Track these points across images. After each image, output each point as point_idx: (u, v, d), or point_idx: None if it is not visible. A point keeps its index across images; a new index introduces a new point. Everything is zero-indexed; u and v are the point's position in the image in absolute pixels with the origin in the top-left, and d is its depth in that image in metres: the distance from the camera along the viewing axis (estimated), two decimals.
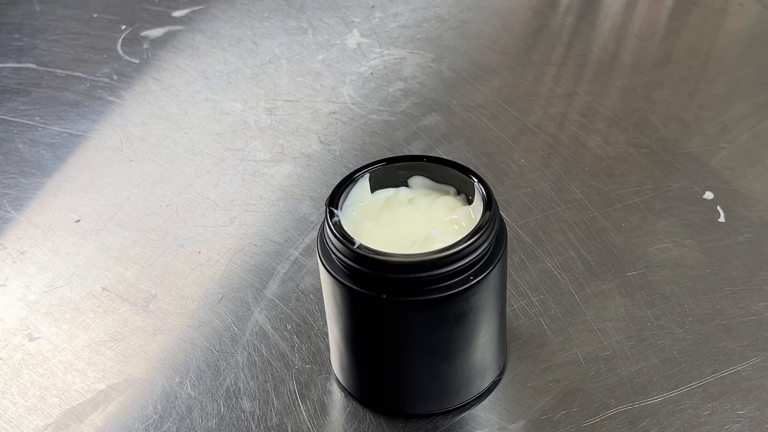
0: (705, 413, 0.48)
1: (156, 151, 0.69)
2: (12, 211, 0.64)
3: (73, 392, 0.52)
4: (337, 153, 0.67)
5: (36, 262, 0.60)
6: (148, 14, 0.83)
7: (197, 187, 0.65)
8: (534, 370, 0.51)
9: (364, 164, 0.47)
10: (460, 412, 0.49)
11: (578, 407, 0.49)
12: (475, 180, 0.46)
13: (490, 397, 0.49)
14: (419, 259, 0.42)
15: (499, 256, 0.44)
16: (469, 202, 0.47)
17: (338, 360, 0.49)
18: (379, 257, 0.42)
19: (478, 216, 0.44)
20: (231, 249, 0.60)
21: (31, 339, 0.55)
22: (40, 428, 0.50)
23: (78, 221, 0.63)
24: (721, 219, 0.60)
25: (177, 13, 0.83)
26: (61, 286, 0.58)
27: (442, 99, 0.72)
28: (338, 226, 0.44)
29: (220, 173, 0.66)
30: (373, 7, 0.83)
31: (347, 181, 0.46)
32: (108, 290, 0.57)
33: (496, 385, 0.50)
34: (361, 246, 0.42)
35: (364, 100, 0.72)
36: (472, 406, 0.49)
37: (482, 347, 0.47)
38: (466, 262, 0.43)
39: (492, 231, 0.44)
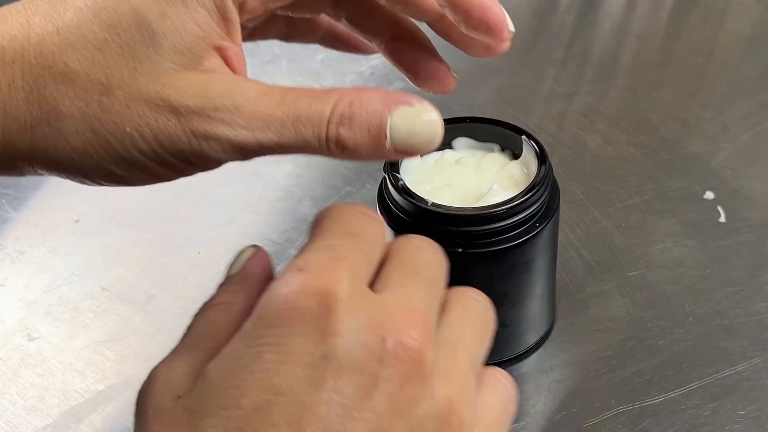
0: (706, 413, 0.48)
1: None
2: (11, 211, 0.64)
3: (72, 392, 0.52)
4: None
5: (35, 262, 0.60)
6: None
7: (197, 187, 0.65)
8: (534, 370, 0.51)
9: None
10: (516, 361, 0.52)
11: (579, 407, 0.49)
12: (524, 135, 0.48)
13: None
14: (494, 210, 0.45)
15: (556, 203, 0.48)
16: (515, 156, 0.49)
17: None
18: (456, 212, 0.45)
19: (530, 168, 0.47)
20: (231, 249, 0.60)
21: (30, 339, 0.55)
22: (39, 428, 0.50)
23: (77, 221, 0.63)
24: (722, 219, 0.60)
25: None
26: (60, 286, 0.58)
27: (442, 99, 0.71)
28: (407, 188, 0.46)
29: (220, 173, 0.66)
30: None
31: None
32: (107, 290, 0.57)
33: (548, 335, 0.53)
34: (434, 204, 0.45)
35: None
36: (528, 355, 0.52)
37: (541, 293, 0.50)
38: (534, 210, 0.46)
39: (551, 178, 0.47)
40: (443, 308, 0.35)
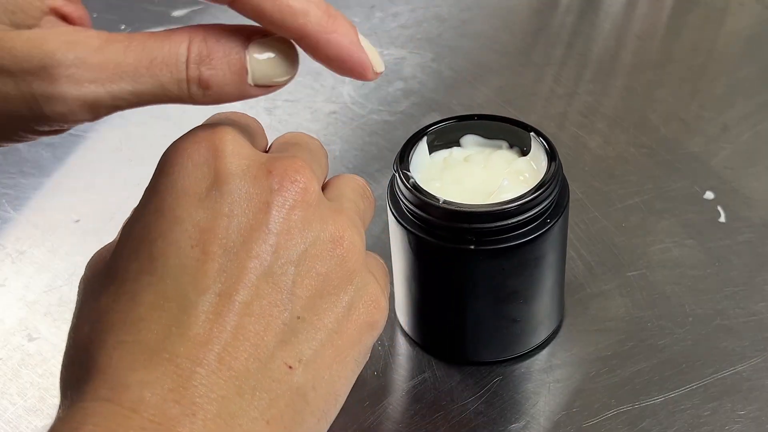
0: (706, 413, 0.48)
1: (156, 151, 0.68)
2: (11, 211, 0.64)
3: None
4: (337, 153, 0.67)
5: (35, 262, 0.60)
6: (147, 14, 0.83)
7: None
8: (534, 370, 0.51)
9: (419, 128, 0.50)
10: (527, 358, 0.52)
11: (578, 407, 0.49)
12: (533, 132, 0.49)
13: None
14: (505, 206, 0.45)
15: (566, 199, 0.48)
16: (524, 153, 0.49)
17: (413, 318, 0.52)
18: (467, 209, 0.45)
19: (539, 165, 0.48)
20: None
21: (31, 339, 0.55)
22: (39, 429, 0.50)
23: (77, 221, 0.63)
24: (722, 219, 0.60)
25: (177, 13, 0.83)
26: (60, 286, 0.58)
27: (442, 99, 0.72)
28: (417, 186, 0.46)
29: None
30: (372, 6, 0.83)
31: (410, 145, 0.49)
32: None
33: (558, 331, 0.53)
34: (445, 201, 0.45)
35: (363, 99, 0.72)
36: (539, 351, 0.52)
37: (551, 289, 0.50)
38: (544, 206, 0.46)
39: (561, 174, 0.48)
40: (325, 185, 0.40)
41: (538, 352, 0.52)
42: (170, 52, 0.33)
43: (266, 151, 0.40)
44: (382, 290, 0.38)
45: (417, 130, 0.50)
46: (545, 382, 0.51)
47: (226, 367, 0.32)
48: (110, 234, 0.37)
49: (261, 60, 0.34)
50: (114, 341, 0.32)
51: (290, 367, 0.34)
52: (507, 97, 0.72)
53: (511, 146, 0.50)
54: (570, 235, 0.59)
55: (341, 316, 0.36)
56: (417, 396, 0.50)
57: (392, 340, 0.53)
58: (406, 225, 0.47)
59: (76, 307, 0.36)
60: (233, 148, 0.35)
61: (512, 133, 0.50)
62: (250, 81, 0.34)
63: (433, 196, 0.46)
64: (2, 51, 0.31)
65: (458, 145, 0.51)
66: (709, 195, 0.62)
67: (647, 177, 0.63)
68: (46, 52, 0.31)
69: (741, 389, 0.49)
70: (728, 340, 0.52)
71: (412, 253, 0.48)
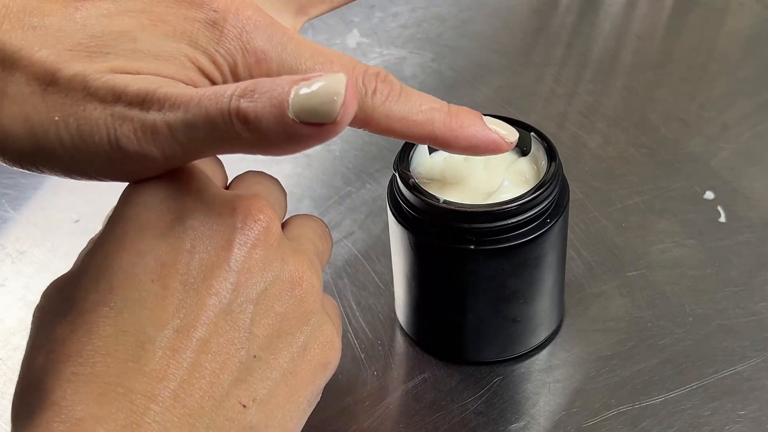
0: (706, 413, 0.48)
1: None
2: (11, 211, 0.64)
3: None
4: (337, 153, 0.67)
5: (35, 262, 0.60)
6: None
7: None
8: (534, 370, 0.51)
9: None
10: (527, 358, 0.52)
11: (578, 407, 0.49)
12: (533, 132, 0.49)
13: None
14: (505, 206, 0.45)
15: (566, 199, 0.48)
16: (524, 153, 0.49)
17: (413, 318, 0.52)
18: (468, 209, 0.45)
19: (539, 165, 0.48)
20: None
21: None
22: None
23: (77, 221, 0.63)
24: (722, 219, 0.60)
25: None
26: None
27: (442, 98, 0.72)
28: (418, 186, 0.46)
29: None
30: (372, 6, 0.83)
31: (410, 145, 0.49)
32: None
33: (558, 331, 0.53)
34: (446, 201, 0.45)
35: None
36: (539, 351, 0.52)
37: (551, 289, 0.50)
38: (545, 206, 0.46)
39: (561, 174, 0.48)
40: (285, 224, 0.41)
41: (538, 352, 0.52)
42: (222, 88, 0.32)
43: (226, 188, 0.41)
44: (337, 331, 0.38)
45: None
46: (545, 382, 0.51)
47: (181, 404, 0.32)
48: None
49: (303, 93, 0.31)
50: (69, 373, 0.32)
51: (244, 406, 0.34)
52: (507, 97, 0.72)
53: None
54: (570, 235, 0.59)
55: (296, 356, 0.36)
56: (417, 396, 0.50)
57: (392, 340, 0.53)
58: (406, 225, 0.47)
59: (30, 336, 0.35)
60: (198, 184, 0.35)
61: None
62: (290, 114, 0.31)
63: (433, 196, 0.46)
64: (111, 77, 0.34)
65: None
66: (709, 195, 0.62)
67: (647, 177, 0.63)
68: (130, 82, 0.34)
69: (741, 389, 0.49)
70: (728, 340, 0.52)
71: (412, 253, 0.48)
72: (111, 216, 0.36)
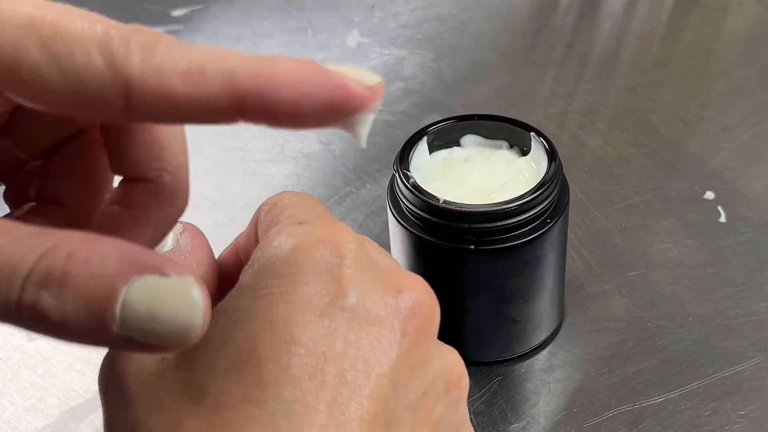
0: (706, 414, 0.48)
1: None
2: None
3: (72, 393, 0.52)
4: (337, 153, 0.67)
5: None
6: (147, 14, 0.83)
7: (197, 187, 0.64)
8: (534, 370, 0.51)
9: (419, 128, 0.50)
10: (527, 358, 0.52)
11: (579, 407, 0.49)
12: (533, 132, 0.49)
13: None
14: (506, 206, 0.45)
15: (566, 199, 0.48)
16: (524, 153, 0.49)
17: None
18: (468, 209, 0.45)
19: (539, 165, 0.48)
20: None
21: (30, 339, 0.55)
22: (39, 429, 0.50)
23: None
24: (722, 219, 0.60)
25: (176, 13, 0.83)
26: None
27: (442, 99, 0.72)
28: (417, 186, 0.46)
29: (220, 173, 0.66)
30: (373, 6, 0.83)
31: (410, 145, 0.49)
32: None
33: (558, 331, 0.53)
34: (446, 201, 0.45)
35: None
36: (539, 351, 0.52)
37: (551, 289, 0.50)
38: (545, 206, 0.46)
39: (561, 174, 0.48)
40: None
41: (538, 352, 0.52)
42: (14, 256, 0.23)
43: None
44: None
45: (417, 130, 0.50)
46: (545, 382, 0.51)
47: None
48: None
49: (141, 307, 0.23)
50: None
51: None
52: (507, 97, 0.72)
53: (511, 146, 0.50)
54: (570, 235, 0.59)
55: None
56: None
57: None
58: (406, 225, 0.47)
59: (115, 416, 0.28)
60: (358, 256, 0.29)
61: (512, 133, 0.50)
62: (116, 329, 0.23)
63: (433, 196, 0.46)
64: None
65: (458, 145, 0.51)
66: (709, 195, 0.61)
67: (647, 177, 0.63)
68: None
69: (741, 389, 0.49)
70: (728, 340, 0.52)
71: (412, 253, 0.48)
72: (261, 287, 0.28)
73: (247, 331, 0.27)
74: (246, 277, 0.29)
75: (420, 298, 0.29)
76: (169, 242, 0.32)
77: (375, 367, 0.27)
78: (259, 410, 0.26)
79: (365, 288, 0.28)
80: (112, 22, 0.25)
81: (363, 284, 0.28)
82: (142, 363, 0.28)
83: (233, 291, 0.29)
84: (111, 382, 0.29)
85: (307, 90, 0.24)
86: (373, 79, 0.26)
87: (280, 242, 0.29)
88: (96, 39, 0.24)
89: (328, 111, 0.25)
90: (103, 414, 0.29)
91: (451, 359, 0.31)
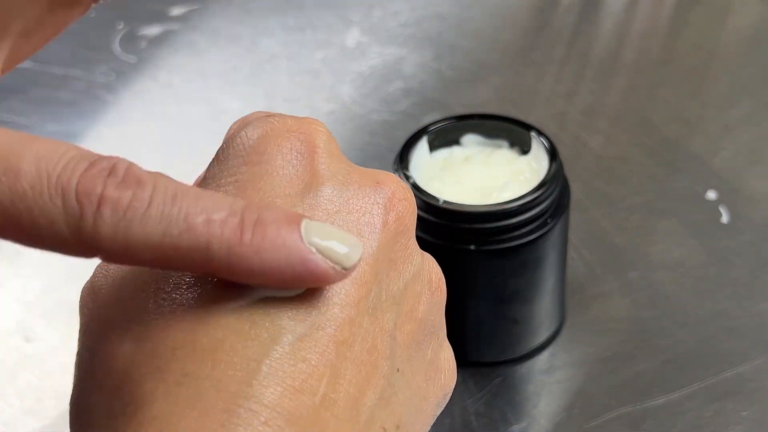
0: (708, 415, 0.48)
1: (154, 150, 0.68)
2: None
3: (70, 394, 0.52)
4: None
5: (33, 263, 0.60)
6: (145, 13, 0.83)
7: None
8: (535, 371, 0.51)
9: (419, 128, 0.50)
10: (527, 359, 0.51)
11: (579, 408, 0.49)
12: (534, 131, 0.48)
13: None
14: (506, 206, 0.45)
15: (567, 199, 0.48)
16: (524, 153, 0.49)
17: None
18: (468, 209, 0.45)
19: (540, 164, 0.47)
20: None
21: (28, 341, 0.55)
22: (37, 430, 0.50)
23: None
24: (724, 219, 0.59)
25: (175, 12, 0.83)
26: (58, 288, 0.58)
27: (442, 98, 0.71)
28: (417, 186, 0.46)
29: None
30: (372, 5, 0.83)
31: (410, 145, 0.48)
32: None
33: (559, 332, 0.53)
34: (446, 201, 0.45)
35: (363, 99, 0.72)
36: (539, 351, 0.52)
37: (552, 290, 0.50)
38: (546, 206, 0.46)
39: (562, 174, 0.47)
40: None
41: (539, 353, 0.52)
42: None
43: None
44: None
45: (417, 129, 0.50)
46: (546, 383, 0.50)
47: (320, 429, 0.24)
48: None
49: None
50: (178, 376, 0.23)
51: None
52: (508, 97, 0.72)
53: (511, 146, 0.50)
54: (571, 235, 0.59)
55: (428, 377, 0.29)
56: None
57: None
58: None
59: (94, 319, 0.27)
60: (329, 148, 0.28)
61: (513, 132, 0.50)
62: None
63: (433, 197, 0.45)
64: None
65: (458, 144, 0.50)
66: (711, 195, 0.61)
67: (649, 177, 0.63)
68: None
69: (743, 390, 0.49)
70: (730, 341, 0.52)
71: None
72: (225, 167, 0.28)
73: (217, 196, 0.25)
74: (210, 169, 0.28)
75: (398, 191, 0.28)
76: None
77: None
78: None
79: (341, 178, 0.28)
80: (76, 165, 0.23)
81: (339, 174, 0.28)
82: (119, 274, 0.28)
83: (195, 182, 0.28)
84: (89, 294, 0.28)
85: (277, 275, 0.24)
86: (352, 258, 0.25)
87: (246, 132, 0.28)
88: (62, 195, 0.23)
89: (286, 285, 0.25)
90: (79, 334, 0.28)
91: (430, 261, 0.30)
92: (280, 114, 0.29)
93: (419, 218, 0.46)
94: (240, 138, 0.28)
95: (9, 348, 0.54)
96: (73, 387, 0.27)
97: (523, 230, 0.46)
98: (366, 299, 0.26)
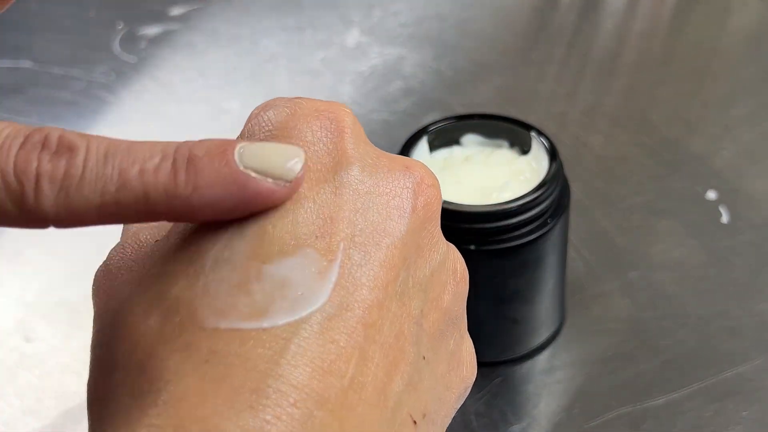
0: (708, 415, 0.48)
1: None
2: None
3: (70, 394, 0.52)
4: None
5: (33, 263, 0.60)
6: (145, 13, 0.83)
7: None
8: (535, 371, 0.51)
9: (419, 128, 0.50)
10: (528, 359, 0.51)
11: (580, 409, 0.49)
12: (534, 131, 0.48)
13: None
14: (506, 206, 0.45)
15: (567, 199, 0.48)
16: (524, 153, 0.49)
17: None
18: (468, 209, 0.44)
19: (540, 164, 0.47)
20: None
21: (28, 340, 0.55)
22: (37, 430, 0.50)
23: None
24: (724, 219, 0.59)
25: (175, 12, 0.83)
26: (58, 288, 0.58)
27: (442, 98, 0.71)
28: None
29: None
30: (372, 5, 0.83)
31: (410, 145, 0.48)
32: None
33: (559, 332, 0.53)
34: (446, 201, 0.44)
35: (363, 99, 0.72)
36: (540, 351, 0.52)
37: (552, 290, 0.50)
38: (546, 206, 0.46)
39: (562, 174, 0.47)
40: None
41: (539, 353, 0.52)
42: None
43: None
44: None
45: (417, 129, 0.50)
46: (546, 383, 0.50)
47: (349, 411, 0.23)
48: (108, 234, 0.36)
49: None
50: (205, 353, 0.23)
51: (414, 423, 0.26)
52: (508, 97, 0.72)
53: (511, 146, 0.50)
54: (571, 235, 0.59)
55: (449, 366, 0.29)
56: None
57: None
58: None
59: (106, 292, 0.28)
60: (354, 127, 0.28)
61: (513, 132, 0.50)
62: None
63: None
64: None
65: (459, 144, 0.50)
66: (711, 195, 0.61)
67: (649, 177, 0.63)
68: None
69: (743, 390, 0.49)
70: (731, 341, 0.52)
71: None
72: (246, 136, 0.28)
73: None
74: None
75: (427, 177, 0.28)
76: None
77: (384, 237, 0.26)
78: (263, 264, 0.24)
79: (371, 160, 0.27)
80: (11, 143, 0.24)
81: (368, 156, 0.27)
82: (138, 249, 0.28)
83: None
84: (105, 276, 0.29)
85: (221, 206, 0.24)
86: (294, 169, 0.25)
87: (274, 112, 0.28)
88: (2, 183, 0.24)
89: (235, 213, 0.25)
90: (94, 317, 0.28)
91: (455, 251, 0.29)
92: (306, 98, 0.29)
93: None
94: (267, 116, 0.28)
95: (9, 348, 0.54)
96: (91, 370, 0.26)
97: (523, 230, 0.46)
98: (394, 283, 0.26)
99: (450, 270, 0.29)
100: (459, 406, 0.30)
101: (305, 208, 0.25)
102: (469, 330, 0.50)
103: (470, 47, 0.77)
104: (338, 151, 0.27)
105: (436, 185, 0.28)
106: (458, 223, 0.45)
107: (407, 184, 0.27)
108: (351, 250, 0.25)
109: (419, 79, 0.73)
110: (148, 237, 0.29)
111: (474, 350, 0.31)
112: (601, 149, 0.66)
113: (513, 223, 0.45)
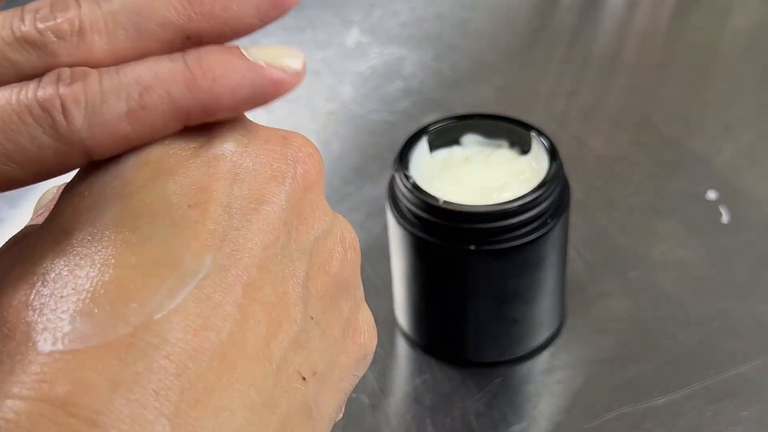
0: (708, 415, 0.48)
1: None
2: (8, 210, 0.64)
3: None
4: (337, 153, 0.67)
5: None
6: None
7: None
8: (535, 372, 0.51)
9: (419, 128, 0.50)
10: (528, 359, 0.51)
11: (580, 409, 0.49)
12: (534, 131, 0.48)
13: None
14: (507, 206, 0.45)
15: (567, 199, 0.48)
16: (524, 153, 0.49)
17: (413, 319, 0.52)
18: (468, 210, 0.45)
19: (539, 164, 0.47)
20: None
21: None
22: None
23: None
24: (725, 219, 0.59)
25: None
26: None
27: (442, 98, 0.71)
28: (417, 186, 0.46)
29: None
30: (372, 5, 0.83)
31: (410, 145, 0.48)
32: None
33: (559, 332, 0.53)
34: (446, 201, 0.45)
35: (363, 99, 0.72)
36: (540, 352, 0.52)
37: (552, 290, 0.50)
38: (546, 206, 0.46)
39: (562, 174, 0.47)
40: None
41: (539, 353, 0.52)
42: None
43: None
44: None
45: (417, 129, 0.50)
46: (546, 384, 0.50)
47: (230, 366, 0.24)
48: None
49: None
50: (72, 315, 0.23)
51: (304, 378, 0.26)
52: (508, 97, 0.71)
53: (511, 145, 0.50)
54: (571, 235, 0.58)
55: (344, 332, 0.29)
56: (417, 398, 0.50)
57: (392, 341, 0.53)
58: (406, 225, 0.47)
59: None
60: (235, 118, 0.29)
61: (513, 132, 0.50)
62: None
63: (433, 197, 0.45)
64: None
65: (459, 144, 0.50)
66: (711, 195, 0.61)
67: (649, 177, 0.63)
68: None
69: (744, 390, 0.49)
70: (731, 341, 0.52)
71: (412, 254, 0.48)
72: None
73: (113, 173, 0.26)
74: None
75: (305, 146, 0.29)
76: (41, 204, 0.33)
77: (263, 203, 0.26)
78: (133, 234, 0.25)
79: (247, 132, 0.28)
80: (28, 86, 0.25)
81: (244, 129, 0.28)
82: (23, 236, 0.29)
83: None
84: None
85: (242, 93, 0.27)
86: (298, 58, 0.28)
87: None
88: (30, 113, 0.25)
89: (256, 102, 0.27)
90: None
91: (343, 221, 0.30)
92: None
93: (419, 218, 0.46)
94: None
95: None
96: None
97: (523, 230, 0.46)
98: (274, 246, 0.26)
99: (338, 238, 0.29)
100: (361, 373, 0.31)
101: (176, 181, 0.26)
102: (469, 330, 0.50)
103: (470, 47, 0.77)
104: (212, 126, 0.27)
105: (314, 155, 0.29)
106: (458, 223, 0.45)
107: (285, 153, 0.28)
108: (227, 216, 0.26)
109: (419, 79, 0.73)
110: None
111: (372, 320, 0.31)
112: (601, 149, 0.66)
113: (513, 223, 0.45)
